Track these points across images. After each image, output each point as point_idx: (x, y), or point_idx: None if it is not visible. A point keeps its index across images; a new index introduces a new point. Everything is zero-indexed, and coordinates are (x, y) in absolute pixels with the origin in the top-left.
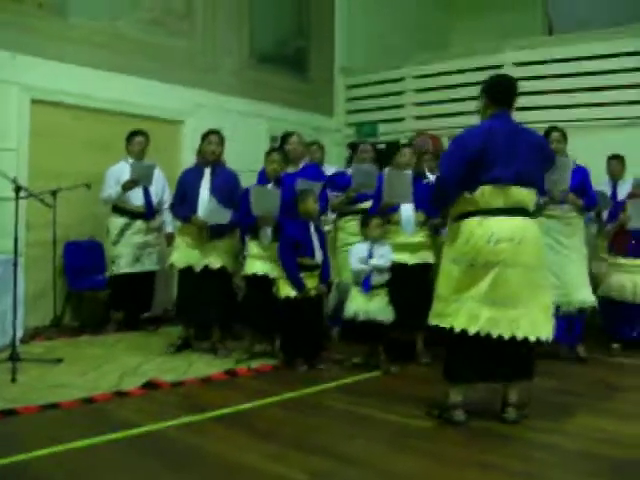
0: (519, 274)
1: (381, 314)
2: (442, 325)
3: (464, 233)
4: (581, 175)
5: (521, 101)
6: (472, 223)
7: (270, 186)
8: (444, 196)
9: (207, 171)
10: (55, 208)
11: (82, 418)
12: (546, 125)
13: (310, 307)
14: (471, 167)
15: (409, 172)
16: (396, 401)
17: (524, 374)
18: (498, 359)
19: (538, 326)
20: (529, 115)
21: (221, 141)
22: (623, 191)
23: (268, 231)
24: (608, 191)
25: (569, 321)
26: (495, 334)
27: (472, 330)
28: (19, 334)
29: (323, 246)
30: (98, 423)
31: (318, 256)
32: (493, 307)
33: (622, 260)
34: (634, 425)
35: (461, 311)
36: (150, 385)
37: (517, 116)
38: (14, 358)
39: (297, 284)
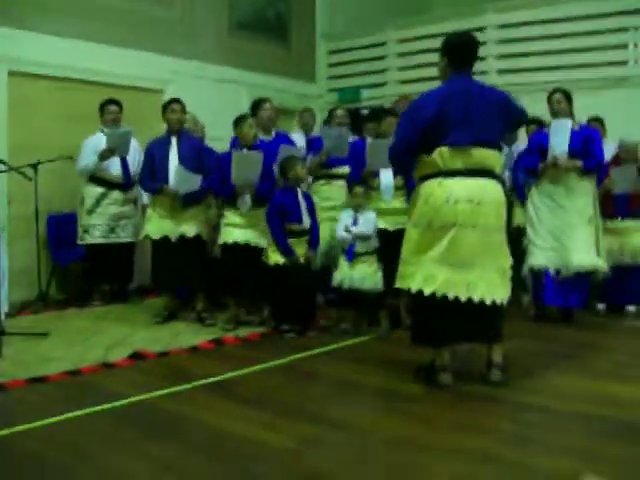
0: (477, 236)
1: (365, 282)
2: (402, 287)
3: (423, 194)
4: (583, 136)
5: (504, 64)
6: (432, 184)
7: (249, 151)
8: (399, 161)
9: (174, 140)
10: (36, 181)
11: (70, 391)
12: (527, 87)
13: (300, 273)
14: (427, 132)
15: (389, 141)
16: (384, 366)
17: (491, 336)
18: (461, 321)
19: (494, 288)
20: (512, 77)
21: (183, 109)
22: (606, 154)
23: (247, 198)
24: None
25: (573, 284)
26: (451, 295)
27: (427, 291)
28: (4, 309)
29: (312, 212)
30: (86, 395)
31: (306, 222)
32: (450, 268)
33: (609, 223)
34: (622, 385)
35: (418, 272)
36: (136, 356)
37: (499, 79)
38: (0, 332)
39: (285, 251)
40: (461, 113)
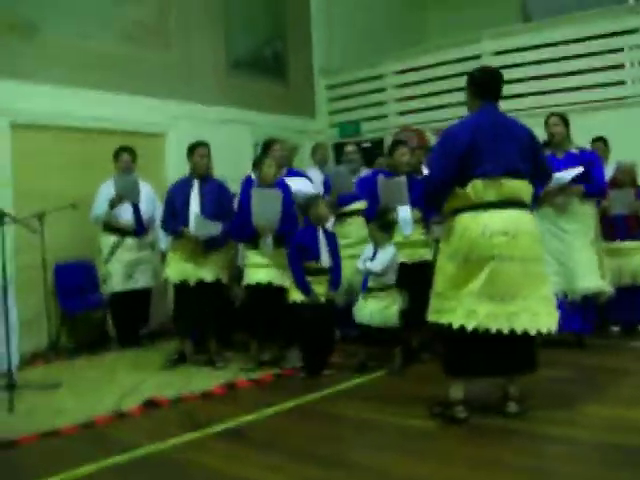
0: (515, 267)
1: (373, 318)
2: (441, 321)
3: (458, 228)
4: (583, 161)
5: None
6: (465, 218)
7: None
8: (436, 193)
9: (196, 183)
10: (43, 231)
11: (83, 443)
12: (527, 112)
13: (319, 313)
14: (461, 162)
15: (403, 178)
16: (398, 402)
17: (527, 367)
18: (499, 353)
19: (538, 318)
20: (510, 103)
21: (209, 152)
22: (608, 174)
23: (269, 240)
24: None
25: (579, 309)
26: (494, 329)
27: (470, 326)
28: (15, 361)
29: (334, 251)
30: (99, 447)
31: (325, 260)
32: (491, 302)
33: (608, 244)
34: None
35: (459, 307)
36: (150, 403)
37: (499, 105)
38: (11, 386)
39: (304, 289)
40: (491, 143)
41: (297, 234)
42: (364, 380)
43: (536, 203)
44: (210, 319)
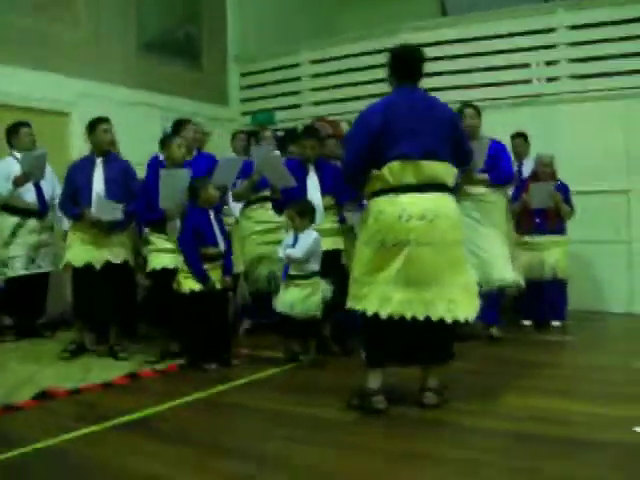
0: (433, 252)
1: (294, 308)
2: (356, 308)
3: (374, 212)
4: (492, 150)
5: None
6: (383, 201)
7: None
8: (353, 176)
9: (99, 162)
10: None
11: None
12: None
13: (215, 300)
14: (375, 143)
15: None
16: (313, 394)
17: (443, 357)
18: (415, 342)
19: (457, 306)
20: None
21: (110, 126)
22: (528, 169)
23: (177, 223)
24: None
25: (488, 300)
26: (408, 316)
27: (384, 313)
28: None
29: (225, 235)
30: None
31: (221, 245)
32: (407, 288)
33: (527, 238)
34: (557, 401)
35: (373, 293)
36: (44, 395)
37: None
38: None
39: (201, 276)
40: (408, 124)
41: (189, 217)
42: (276, 371)
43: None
44: (114, 305)
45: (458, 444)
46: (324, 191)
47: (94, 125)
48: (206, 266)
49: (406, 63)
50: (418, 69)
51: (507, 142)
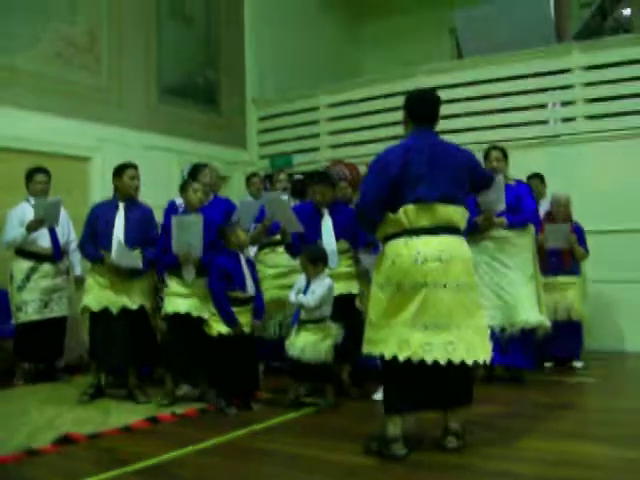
0: (449, 294)
1: (305, 352)
2: (374, 353)
3: (390, 255)
4: (515, 192)
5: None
6: (397, 244)
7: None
8: (367, 218)
9: (121, 206)
10: None
11: None
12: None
13: (244, 344)
14: (392, 187)
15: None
16: (332, 438)
17: (463, 400)
18: (435, 386)
19: (474, 348)
20: (445, 138)
21: (138, 175)
22: (544, 210)
23: (191, 267)
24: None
25: (518, 344)
26: (429, 359)
27: (402, 356)
28: None
29: (255, 279)
30: None
31: (250, 288)
32: (425, 331)
33: (544, 279)
34: (582, 444)
35: (391, 337)
36: (64, 440)
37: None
38: None
39: (230, 320)
40: (425, 169)
41: (218, 260)
42: (295, 415)
43: (471, 234)
44: (132, 349)
45: None
46: (338, 235)
47: (121, 170)
48: (235, 309)
49: (422, 107)
50: (435, 112)
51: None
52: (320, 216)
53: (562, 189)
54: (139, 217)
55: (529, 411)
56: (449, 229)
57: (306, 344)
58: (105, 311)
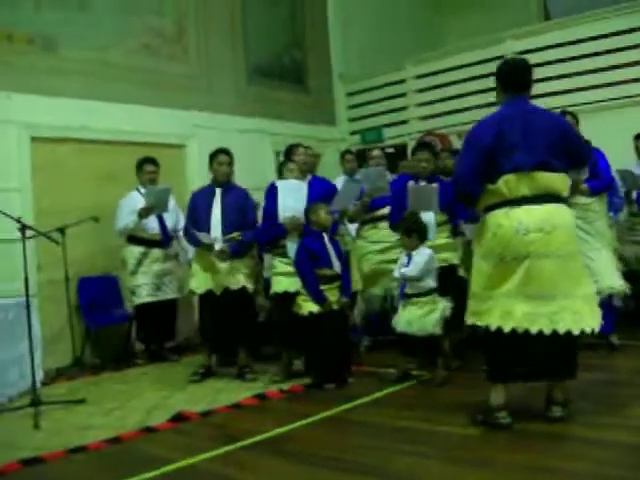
0: (553, 264)
1: (412, 326)
2: (478, 323)
3: (491, 226)
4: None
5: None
6: (498, 215)
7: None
8: (465, 192)
9: (218, 191)
10: (64, 245)
11: (111, 459)
12: (557, 110)
13: (334, 321)
14: (488, 158)
15: (434, 185)
16: (436, 410)
17: (567, 372)
18: (539, 357)
19: (582, 317)
20: (539, 102)
21: (231, 160)
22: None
23: (295, 246)
24: (638, 171)
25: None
26: (534, 330)
27: (507, 327)
28: (39, 377)
29: (341, 257)
30: (128, 463)
31: (336, 266)
32: (529, 302)
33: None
34: None
35: (495, 308)
36: (178, 417)
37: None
38: (35, 403)
39: (318, 297)
40: (520, 137)
41: (303, 241)
42: (400, 388)
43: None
44: (238, 329)
45: (586, 458)
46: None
47: (212, 157)
48: (323, 287)
49: (514, 75)
50: (526, 80)
51: (627, 143)
52: None
53: None
54: (236, 201)
55: (629, 378)
56: (551, 197)
57: (412, 318)
58: (210, 293)
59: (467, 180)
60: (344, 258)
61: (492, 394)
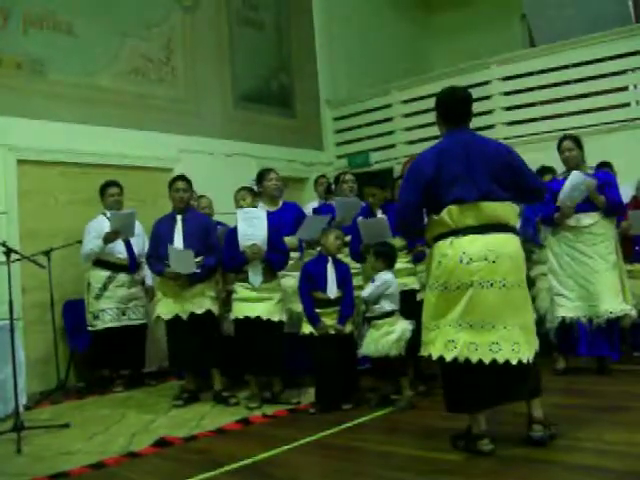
0: (496, 294)
1: (369, 348)
2: (424, 354)
3: (436, 256)
4: (599, 181)
5: (511, 116)
6: (443, 245)
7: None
8: (406, 223)
9: (179, 218)
10: (50, 268)
11: None
12: (540, 137)
13: (331, 345)
14: (429, 191)
15: (382, 217)
16: (419, 435)
17: (530, 393)
18: (494, 383)
19: (520, 347)
20: (520, 129)
21: (188, 187)
22: (626, 196)
23: (257, 272)
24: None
25: (604, 334)
26: (474, 359)
27: (448, 357)
28: (22, 401)
29: (346, 282)
30: None
31: (332, 291)
32: (471, 330)
33: (629, 266)
34: None
35: (439, 337)
36: (162, 442)
37: (507, 131)
38: (18, 427)
39: (311, 319)
40: (461, 168)
41: (308, 263)
42: (384, 413)
43: (551, 224)
44: (207, 353)
45: None
46: (394, 233)
47: (170, 185)
48: (318, 310)
49: (453, 106)
50: (466, 110)
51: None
52: (374, 216)
53: None
54: (197, 225)
55: (618, 402)
56: (497, 226)
57: (369, 340)
58: (177, 318)
59: (408, 214)
60: (347, 283)
61: (472, 422)
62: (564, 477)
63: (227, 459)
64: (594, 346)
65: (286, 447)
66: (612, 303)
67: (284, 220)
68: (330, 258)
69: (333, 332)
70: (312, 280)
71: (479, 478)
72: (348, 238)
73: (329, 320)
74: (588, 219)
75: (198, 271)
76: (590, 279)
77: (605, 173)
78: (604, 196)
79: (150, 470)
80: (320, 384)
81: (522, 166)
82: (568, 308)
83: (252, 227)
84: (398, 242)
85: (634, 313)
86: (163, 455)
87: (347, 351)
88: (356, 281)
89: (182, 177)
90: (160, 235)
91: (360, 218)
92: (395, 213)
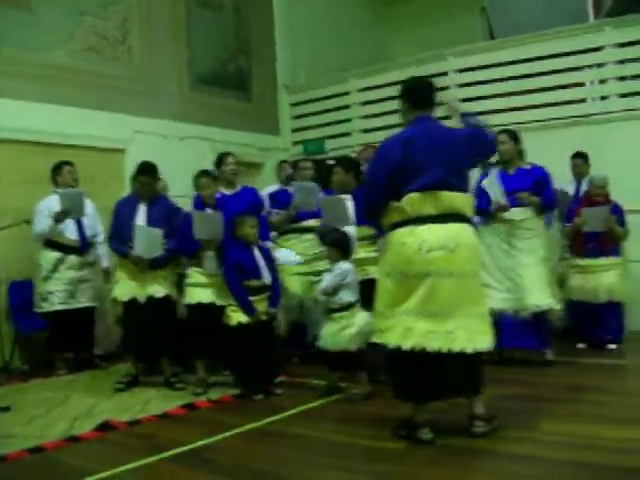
0: (454, 283)
1: (327, 341)
2: (379, 341)
3: (395, 244)
4: (534, 177)
5: (467, 107)
6: (402, 233)
7: (210, 210)
8: (370, 209)
9: (142, 205)
10: None
11: (30, 470)
12: (494, 129)
13: (262, 332)
14: (394, 177)
15: (344, 196)
16: (361, 424)
17: (472, 389)
18: (442, 375)
19: (475, 337)
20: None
21: (153, 178)
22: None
23: (212, 258)
24: (571, 190)
25: (531, 325)
26: (433, 347)
27: (405, 345)
28: None
29: (272, 267)
30: (48, 475)
31: (266, 277)
32: (429, 319)
33: (580, 261)
34: (608, 428)
35: (397, 326)
36: (105, 427)
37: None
38: None
39: (247, 308)
40: (426, 156)
41: (230, 253)
42: (328, 401)
43: (486, 218)
44: (162, 338)
45: (504, 473)
46: (359, 221)
47: (136, 176)
48: (252, 298)
49: (418, 94)
50: (431, 99)
51: (565, 162)
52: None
53: (598, 169)
54: (163, 212)
55: (557, 394)
56: (455, 216)
57: (327, 334)
58: (134, 301)
59: (372, 200)
60: (274, 268)
61: (414, 410)
62: (503, 466)
63: (170, 444)
64: (518, 339)
65: (229, 433)
66: (538, 297)
67: (242, 204)
68: (253, 246)
69: (265, 318)
70: (242, 269)
71: (418, 467)
72: (313, 222)
73: (259, 306)
74: (521, 214)
75: (160, 254)
76: (519, 272)
77: (541, 169)
78: (539, 196)
79: (90, 455)
80: (248, 371)
81: (481, 136)
82: (495, 300)
83: (208, 229)
84: (364, 231)
85: (558, 308)
86: (105, 440)
87: (270, 335)
88: (307, 268)
89: (146, 170)
90: (123, 218)
91: (322, 194)
92: (361, 199)
